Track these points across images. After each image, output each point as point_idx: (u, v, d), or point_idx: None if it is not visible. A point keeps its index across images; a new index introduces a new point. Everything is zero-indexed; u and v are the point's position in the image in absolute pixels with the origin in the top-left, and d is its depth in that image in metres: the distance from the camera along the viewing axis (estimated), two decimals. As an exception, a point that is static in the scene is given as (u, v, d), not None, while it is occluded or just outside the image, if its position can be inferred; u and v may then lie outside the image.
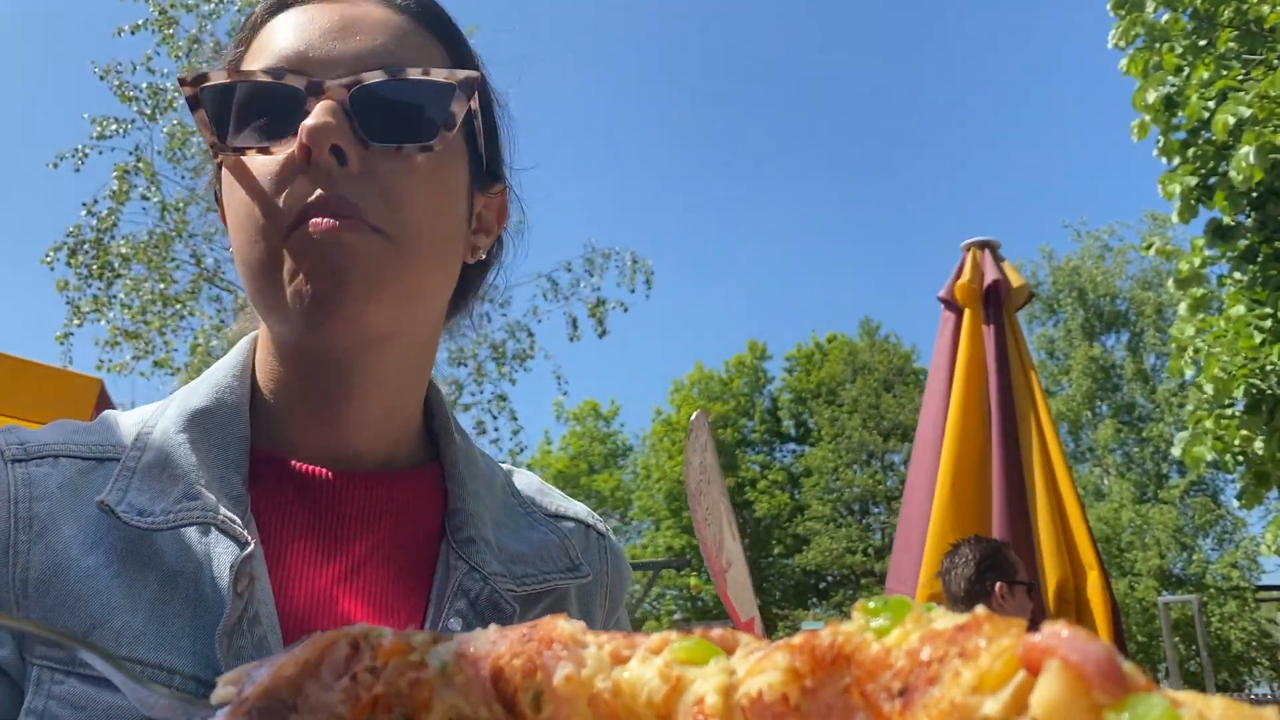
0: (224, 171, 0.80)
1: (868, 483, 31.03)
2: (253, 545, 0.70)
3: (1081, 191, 52.40)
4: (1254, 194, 8.81)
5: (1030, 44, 54.05)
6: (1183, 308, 9.51)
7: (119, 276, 11.41)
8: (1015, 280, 4.85)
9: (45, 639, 0.66)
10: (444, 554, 0.81)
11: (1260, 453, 8.68)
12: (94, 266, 11.27)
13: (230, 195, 0.78)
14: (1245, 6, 8.77)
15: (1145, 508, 27.82)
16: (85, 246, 11.25)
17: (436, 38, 0.82)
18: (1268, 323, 8.53)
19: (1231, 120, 8.05)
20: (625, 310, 13.52)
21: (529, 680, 0.42)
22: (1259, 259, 8.96)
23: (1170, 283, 9.88)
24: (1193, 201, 9.16)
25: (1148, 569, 26.55)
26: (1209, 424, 9.05)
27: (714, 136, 55.46)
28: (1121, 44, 9.73)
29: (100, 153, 11.61)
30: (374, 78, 0.75)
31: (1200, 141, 9.14)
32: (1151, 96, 9.25)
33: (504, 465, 0.96)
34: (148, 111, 11.60)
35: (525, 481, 0.95)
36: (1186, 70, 9.11)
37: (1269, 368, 8.38)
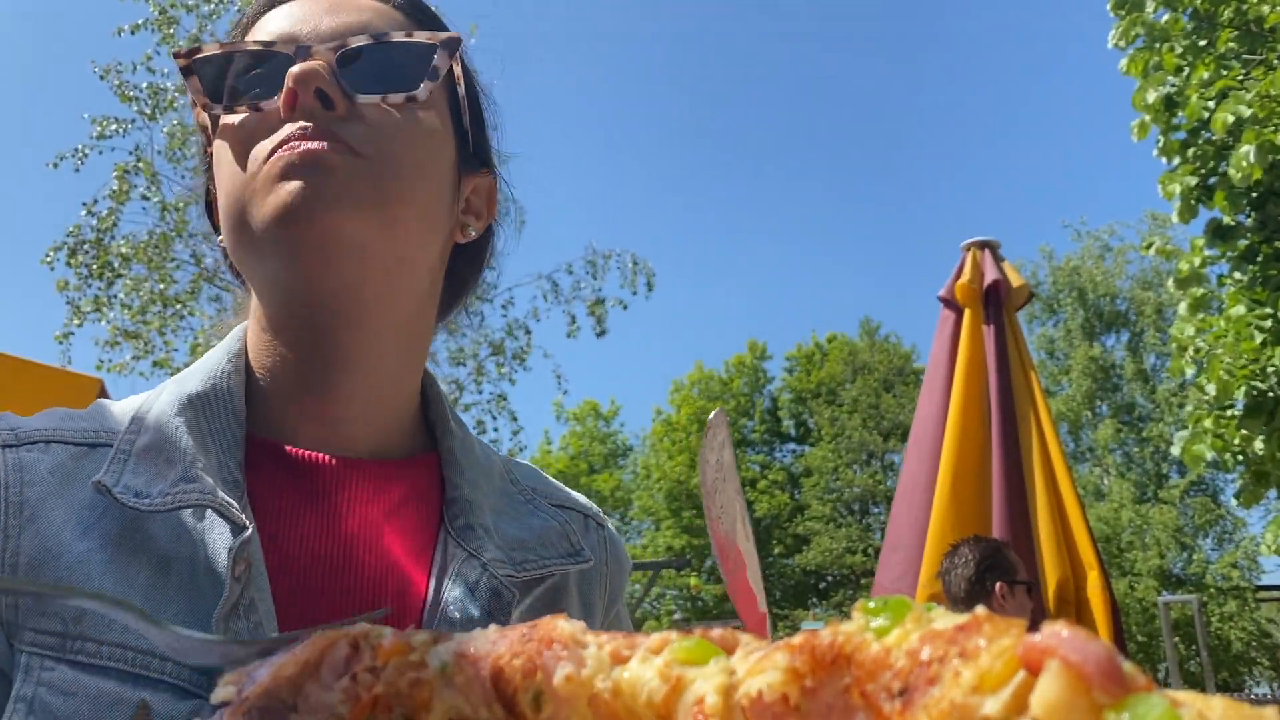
0: (214, 145, 0.81)
1: (868, 483, 31.03)
2: (250, 529, 0.70)
3: (1081, 191, 52.44)
4: (1254, 194, 8.81)
5: (1030, 44, 54.09)
6: (1183, 308, 9.52)
7: (119, 276, 11.39)
8: (1015, 280, 4.86)
9: (51, 594, 0.65)
10: (442, 541, 0.81)
11: (1260, 452, 8.69)
12: (94, 266, 11.26)
13: (220, 157, 0.79)
14: (1245, 6, 8.78)
15: (1145, 508, 27.81)
16: (85, 246, 11.24)
17: (420, 27, 0.84)
18: (1268, 323, 8.53)
19: (1231, 119, 8.06)
20: (625, 308, 13.53)
21: (529, 680, 0.42)
22: (1259, 259, 8.96)
23: (1170, 283, 9.88)
24: (1193, 201, 9.16)
25: (1148, 569, 26.55)
26: (1209, 424, 9.06)
27: (714, 136, 55.50)
28: (1121, 44, 9.73)
29: (100, 153, 11.59)
30: (359, 41, 0.78)
31: (1200, 141, 9.14)
32: (1151, 96, 9.25)
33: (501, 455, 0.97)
34: (148, 111, 11.59)
35: (524, 471, 0.95)
36: (1186, 70, 9.12)
37: (1270, 369, 8.38)
